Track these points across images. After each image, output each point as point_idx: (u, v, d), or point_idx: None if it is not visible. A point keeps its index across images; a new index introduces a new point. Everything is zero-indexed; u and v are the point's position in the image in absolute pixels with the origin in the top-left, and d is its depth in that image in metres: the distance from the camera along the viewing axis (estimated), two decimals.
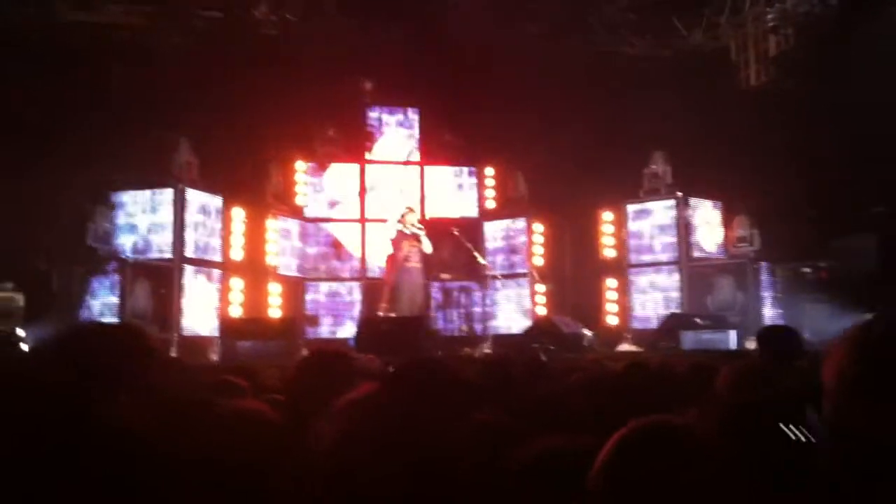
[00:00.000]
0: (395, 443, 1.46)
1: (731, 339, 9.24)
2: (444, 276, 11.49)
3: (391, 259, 10.39)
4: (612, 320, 11.38)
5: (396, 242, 10.26)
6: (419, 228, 10.21)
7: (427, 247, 10.22)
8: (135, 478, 1.54)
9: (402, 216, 10.37)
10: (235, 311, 10.38)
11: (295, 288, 11.24)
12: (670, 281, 11.08)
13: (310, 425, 2.36)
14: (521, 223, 11.85)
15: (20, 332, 8.56)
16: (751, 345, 8.16)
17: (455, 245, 11.02)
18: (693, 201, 11.17)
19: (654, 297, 11.14)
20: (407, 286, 10.09)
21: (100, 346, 2.12)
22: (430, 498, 1.41)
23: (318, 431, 2.14)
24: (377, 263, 11.63)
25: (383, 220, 11.07)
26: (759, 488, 1.49)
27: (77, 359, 2.06)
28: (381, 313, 10.37)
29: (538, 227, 11.76)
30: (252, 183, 11.03)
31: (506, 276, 11.65)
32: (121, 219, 9.91)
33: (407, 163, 12.39)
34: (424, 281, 10.63)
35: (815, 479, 1.48)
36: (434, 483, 1.41)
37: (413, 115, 12.48)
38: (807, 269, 10.88)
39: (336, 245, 11.80)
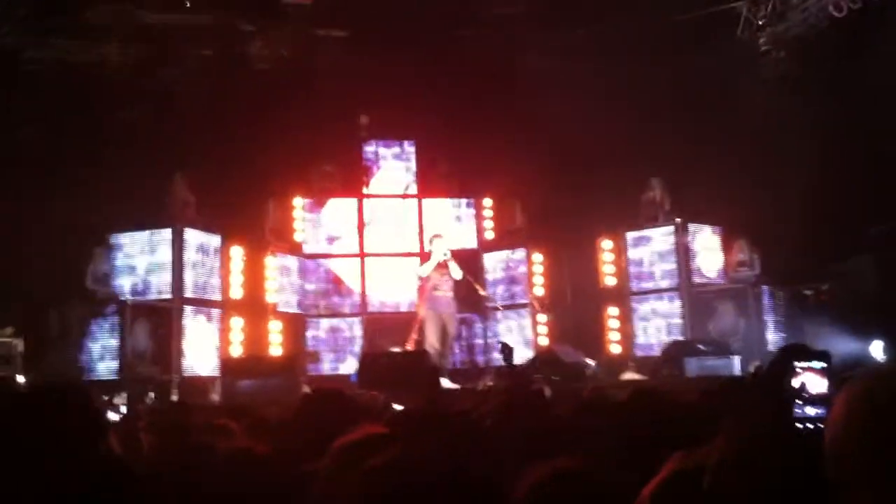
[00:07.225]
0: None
1: (735, 364, 9.18)
2: None
3: (421, 290, 10.16)
4: (615, 348, 11.29)
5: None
6: (447, 255, 9.85)
7: (456, 273, 9.84)
8: None
9: (430, 242, 10.14)
10: (236, 350, 10.31)
11: (295, 324, 11.17)
12: (672, 307, 11.02)
13: (307, 463, 2.33)
14: (520, 253, 11.81)
15: (20, 378, 8.49)
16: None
17: None
18: (692, 227, 11.14)
19: (656, 324, 11.07)
20: (435, 315, 9.77)
21: (43, 414, 2.09)
22: None
23: (315, 470, 2.11)
24: (378, 298, 11.62)
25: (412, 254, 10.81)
26: None
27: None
28: (409, 347, 10.06)
29: (538, 257, 11.71)
30: (250, 220, 11.02)
31: (507, 307, 11.58)
32: (119, 260, 9.88)
33: (405, 196, 12.38)
34: (455, 311, 10.16)
35: None
36: None
37: (409, 148, 12.49)
38: (808, 292, 10.83)
39: (336, 281, 11.75)
